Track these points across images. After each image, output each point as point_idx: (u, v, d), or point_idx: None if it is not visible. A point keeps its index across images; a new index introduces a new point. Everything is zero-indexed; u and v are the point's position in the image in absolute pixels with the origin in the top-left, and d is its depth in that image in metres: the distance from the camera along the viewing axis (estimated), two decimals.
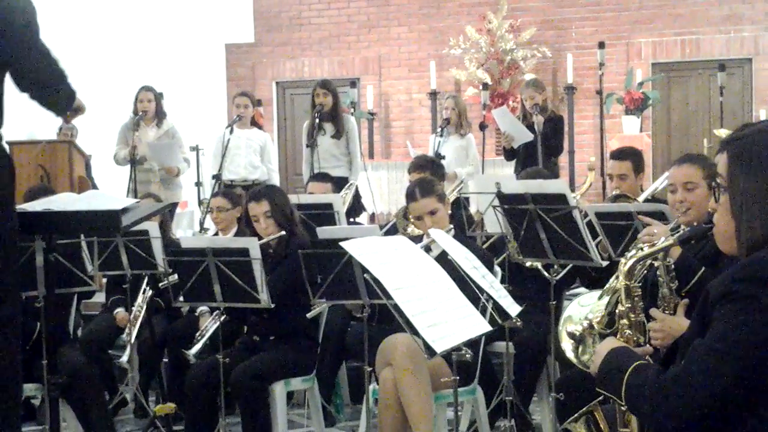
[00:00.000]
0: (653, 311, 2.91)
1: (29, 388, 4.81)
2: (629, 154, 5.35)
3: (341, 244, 3.19)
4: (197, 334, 5.16)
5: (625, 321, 2.71)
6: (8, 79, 3.42)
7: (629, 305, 2.70)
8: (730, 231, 2.07)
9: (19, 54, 3.35)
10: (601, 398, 2.44)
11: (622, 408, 2.22)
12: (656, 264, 3.08)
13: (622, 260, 2.75)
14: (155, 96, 8.31)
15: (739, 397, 1.91)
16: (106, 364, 5.80)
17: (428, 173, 5.72)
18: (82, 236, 4.98)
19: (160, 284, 5.43)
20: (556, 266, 4.49)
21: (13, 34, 3.30)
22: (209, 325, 5.09)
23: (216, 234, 6.03)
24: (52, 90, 3.48)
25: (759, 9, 11.35)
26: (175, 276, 4.92)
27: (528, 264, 4.91)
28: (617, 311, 2.77)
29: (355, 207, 7.33)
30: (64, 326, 5.21)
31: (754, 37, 11.35)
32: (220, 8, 12.23)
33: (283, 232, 4.91)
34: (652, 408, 2.00)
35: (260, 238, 4.80)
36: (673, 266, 3.18)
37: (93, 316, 6.39)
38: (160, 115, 8.36)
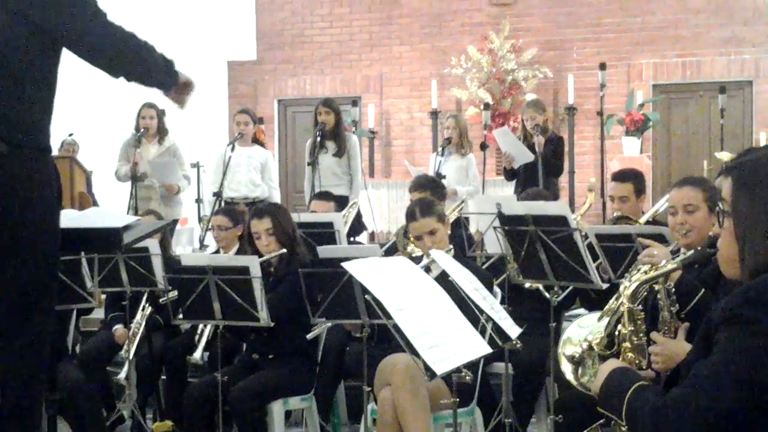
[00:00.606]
0: (654, 335, 2.91)
1: None
2: (630, 177, 5.36)
3: (343, 265, 3.19)
4: (196, 339, 5.16)
5: (627, 344, 2.71)
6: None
7: (632, 328, 2.70)
8: (733, 255, 2.07)
9: (77, 25, 3.19)
10: (602, 421, 2.44)
11: (623, 429, 2.22)
12: (657, 287, 3.08)
13: (625, 283, 2.76)
14: (157, 113, 8.33)
15: (740, 420, 1.90)
16: (104, 380, 5.79)
17: (429, 193, 5.73)
18: (83, 253, 4.97)
19: (160, 300, 5.42)
20: (556, 288, 4.49)
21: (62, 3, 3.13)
22: (204, 328, 5.10)
23: (217, 251, 6.02)
24: (141, 63, 3.35)
25: (760, 32, 11.39)
26: (175, 292, 4.92)
27: (527, 285, 4.90)
28: (619, 334, 2.77)
29: (356, 226, 7.33)
30: (62, 342, 5.20)
31: (755, 59, 11.38)
32: (223, 26, 12.27)
33: (284, 250, 4.91)
34: (653, 429, 2.00)
35: (261, 256, 4.80)
36: (673, 289, 3.18)
37: (92, 332, 6.37)
38: (162, 132, 8.37)
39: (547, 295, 4.62)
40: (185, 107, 3.69)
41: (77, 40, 3.23)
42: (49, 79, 3.24)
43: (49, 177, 3.17)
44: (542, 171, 7.58)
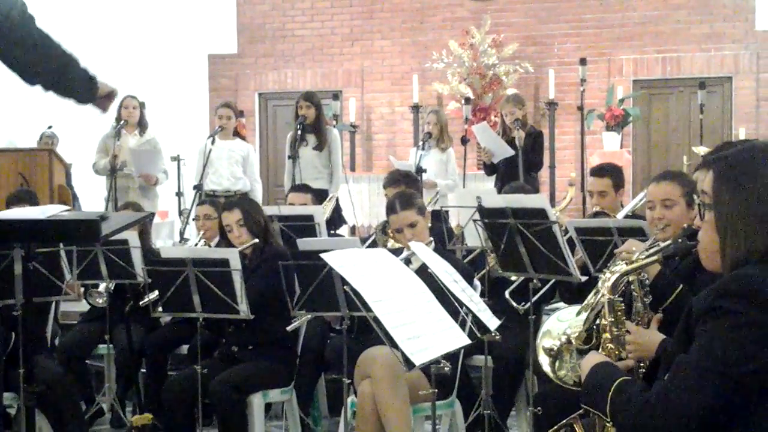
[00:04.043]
0: (628, 324, 2.93)
1: (5, 398, 4.77)
2: (609, 171, 5.38)
3: (321, 255, 3.19)
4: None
5: (607, 335, 2.73)
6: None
7: (612, 319, 2.72)
8: (714, 248, 2.08)
9: (7, 39, 3.12)
10: (580, 412, 2.45)
11: (607, 423, 2.24)
12: (631, 279, 3.10)
13: (607, 274, 2.77)
14: (140, 104, 8.31)
15: (724, 413, 1.92)
16: (83, 373, 5.77)
17: (404, 187, 5.73)
18: (61, 245, 4.95)
19: (141, 302, 5.39)
20: (535, 281, 4.51)
21: None
22: None
23: (202, 243, 6.01)
24: (62, 75, 3.29)
25: (739, 28, 11.45)
26: (156, 292, 4.91)
27: (513, 278, 4.91)
28: (600, 325, 2.79)
29: (335, 219, 7.33)
30: (41, 335, 5.18)
31: (734, 55, 11.45)
32: (204, 19, 12.22)
33: (256, 240, 4.93)
34: (637, 424, 2.02)
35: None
36: (647, 281, 3.20)
37: (71, 325, 6.35)
38: (142, 125, 8.36)
39: (515, 304, 4.63)
40: (107, 112, 3.64)
41: (10, 54, 3.17)
42: None
43: None
44: (522, 165, 7.60)
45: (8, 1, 3.12)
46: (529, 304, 4.58)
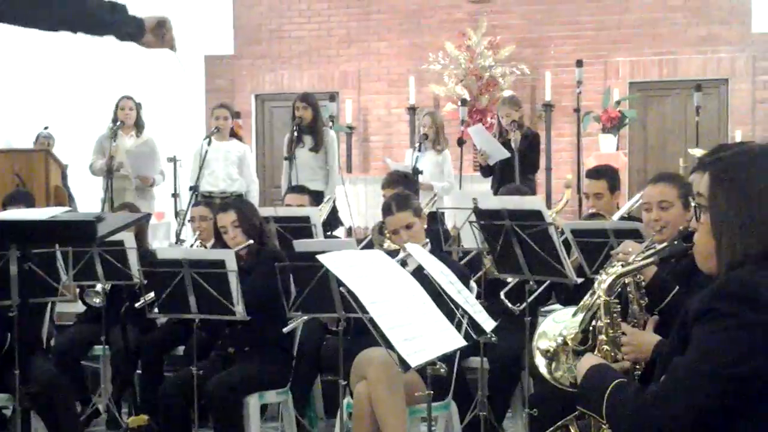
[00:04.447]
0: (623, 326, 2.93)
1: (0, 399, 4.77)
2: (604, 173, 5.39)
3: (317, 257, 3.19)
4: None
5: (603, 336, 2.73)
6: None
7: (608, 321, 2.72)
8: (710, 250, 2.08)
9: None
10: (576, 413, 2.45)
11: (603, 425, 2.24)
12: (627, 281, 3.11)
13: (603, 276, 2.77)
14: (136, 105, 8.30)
15: (719, 415, 1.92)
16: (79, 374, 5.76)
17: (401, 188, 5.73)
18: (57, 246, 4.95)
19: (137, 304, 5.38)
20: (531, 282, 4.51)
21: None
22: None
23: (198, 244, 6.00)
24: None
25: (735, 30, 11.47)
26: (152, 294, 4.91)
27: (509, 280, 4.92)
28: (596, 326, 2.79)
29: (332, 221, 7.33)
30: (36, 336, 5.17)
31: (730, 58, 11.46)
32: (200, 20, 12.21)
33: (251, 242, 4.93)
34: (632, 426, 2.02)
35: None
36: (643, 283, 3.20)
37: (67, 326, 6.34)
38: (139, 126, 8.36)
39: (510, 305, 4.63)
40: (176, 47, 3.43)
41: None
42: None
43: None
44: (518, 167, 7.61)
45: None
46: (524, 305, 4.58)
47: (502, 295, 4.72)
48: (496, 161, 7.83)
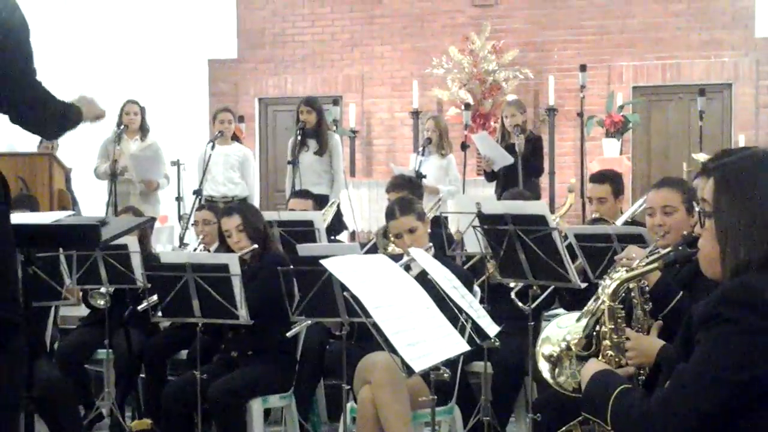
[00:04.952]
0: (627, 331, 2.93)
1: None
2: (608, 178, 5.38)
3: (321, 261, 3.19)
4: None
5: (607, 342, 2.73)
6: None
7: (612, 326, 2.71)
8: (714, 255, 2.08)
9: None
10: (580, 418, 2.45)
11: (607, 431, 2.23)
12: (631, 286, 3.10)
13: (607, 281, 2.77)
14: (141, 109, 8.31)
15: (724, 420, 1.92)
16: (82, 378, 5.76)
17: (406, 192, 5.73)
18: (61, 250, 4.95)
19: (140, 307, 5.38)
20: (535, 287, 4.51)
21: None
22: None
23: (201, 248, 6.01)
24: (60, 125, 3.44)
25: (739, 35, 11.47)
26: (155, 297, 4.91)
27: (512, 285, 4.91)
28: (600, 331, 2.79)
29: (336, 225, 7.32)
30: (40, 340, 5.17)
31: (734, 62, 11.46)
32: (204, 24, 12.24)
33: (255, 246, 4.93)
34: None
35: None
36: (647, 288, 3.20)
37: (70, 329, 6.34)
38: (144, 130, 8.37)
39: (521, 304, 4.63)
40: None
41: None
42: None
43: None
44: (522, 171, 7.61)
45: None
46: (535, 303, 4.57)
47: (512, 294, 4.72)
48: (500, 167, 7.84)
